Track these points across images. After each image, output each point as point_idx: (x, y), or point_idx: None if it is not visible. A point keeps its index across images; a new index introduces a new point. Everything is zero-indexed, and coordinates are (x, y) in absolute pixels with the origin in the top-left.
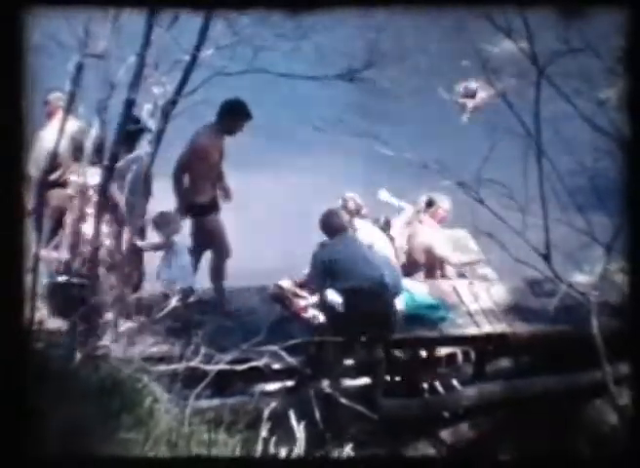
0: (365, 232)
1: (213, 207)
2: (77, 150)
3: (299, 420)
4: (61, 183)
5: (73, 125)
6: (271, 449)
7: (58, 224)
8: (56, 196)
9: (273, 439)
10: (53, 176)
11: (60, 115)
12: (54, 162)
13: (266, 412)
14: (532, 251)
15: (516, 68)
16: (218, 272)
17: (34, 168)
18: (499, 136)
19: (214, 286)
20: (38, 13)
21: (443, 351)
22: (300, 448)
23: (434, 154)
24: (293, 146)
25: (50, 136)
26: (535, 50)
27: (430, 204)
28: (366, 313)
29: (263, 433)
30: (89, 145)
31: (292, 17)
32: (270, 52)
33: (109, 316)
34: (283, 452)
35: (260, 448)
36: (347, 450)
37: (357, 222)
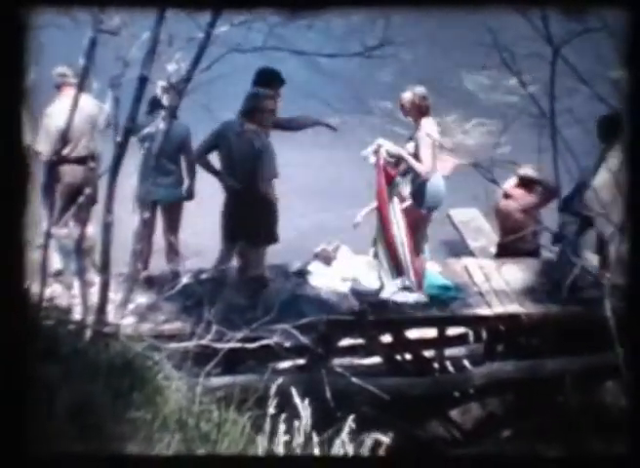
0: (428, 129)
1: None
2: (93, 126)
3: (309, 398)
4: (74, 159)
5: (87, 100)
6: (280, 427)
7: (70, 200)
8: (68, 172)
9: (282, 417)
10: (64, 152)
11: (69, 90)
12: (64, 137)
13: (273, 389)
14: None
15: (531, 48)
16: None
17: (44, 144)
18: (513, 116)
19: None
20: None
21: (454, 331)
22: (306, 426)
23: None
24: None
25: (59, 112)
26: (550, 29)
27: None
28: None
29: (271, 410)
30: (102, 121)
31: (292, 16)
32: (285, 28)
33: (120, 293)
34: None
35: (268, 426)
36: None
37: (423, 121)
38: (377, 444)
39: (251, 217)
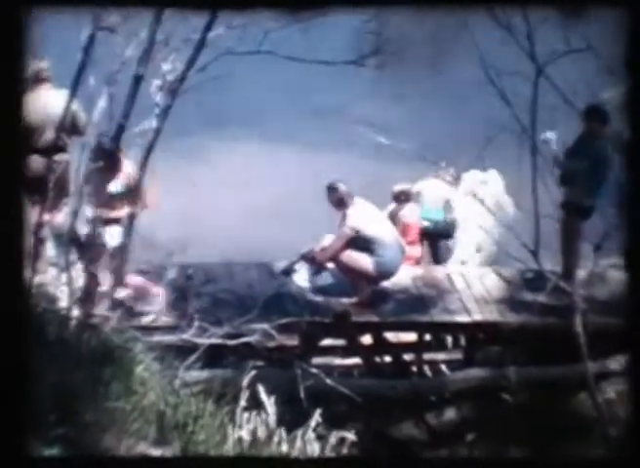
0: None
1: None
2: (74, 124)
3: (286, 396)
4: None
5: (58, 96)
6: (250, 422)
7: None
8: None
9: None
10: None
11: (43, 84)
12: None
13: (245, 382)
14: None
15: (515, 66)
16: None
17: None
18: (494, 132)
19: None
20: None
21: (433, 336)
22: (272, 422)
23: (431, 147)
24: (290, 130)
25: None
26: (534, 49)
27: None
28: None
29: (242, 403)
30: (97, 117)
31: (292, 15)
32: (280, 34)
33: (107, 284)
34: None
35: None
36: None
37: (349, 211)
38: (341, 441)
39: None
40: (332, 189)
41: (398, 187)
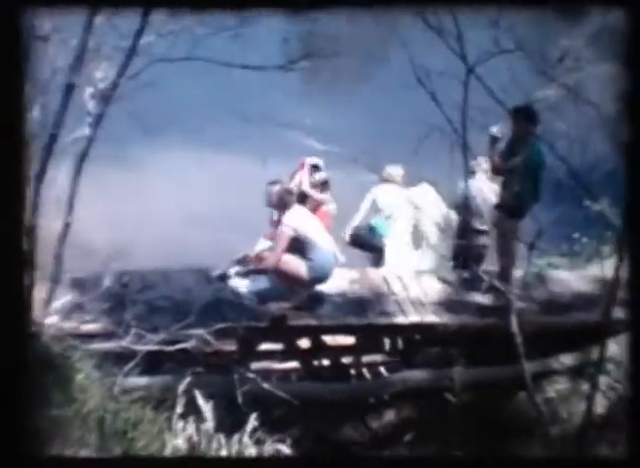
0: (291, 220)
1: None
2: None
3: (225, 401)
4: None
5: None
6: (187, 428)
7: None
8: None
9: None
10: None
11: None
12: None
13: (181, 389)
14: None
15: (445, 67)
16: None
17: None
18: (426, 133)
19: None
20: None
21: (371, 338)
22: (209, 427)
23: (364, 150)
24: (224, 136)
25: None
26: (464, 49)
27: None
28: None
29: (178, 410)
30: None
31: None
32: (211, 40)
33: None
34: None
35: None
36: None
37: (288, 213)
38: (277, 452)
39: None
40: (270, 189)
41: (321, 176)
